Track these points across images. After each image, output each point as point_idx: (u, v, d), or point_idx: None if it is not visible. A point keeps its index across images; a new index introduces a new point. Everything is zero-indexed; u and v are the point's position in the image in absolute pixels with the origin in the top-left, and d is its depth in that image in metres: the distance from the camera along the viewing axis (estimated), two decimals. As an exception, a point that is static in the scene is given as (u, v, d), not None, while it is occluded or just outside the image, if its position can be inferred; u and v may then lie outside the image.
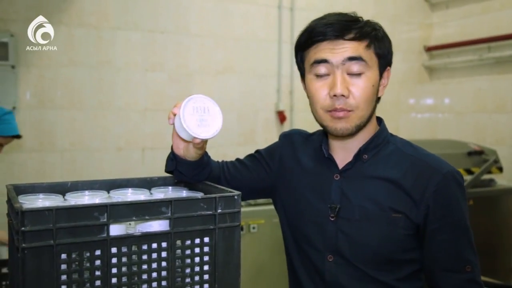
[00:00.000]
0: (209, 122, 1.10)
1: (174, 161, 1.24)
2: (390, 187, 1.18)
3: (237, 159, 1.43)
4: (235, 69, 3.93)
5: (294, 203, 1.31)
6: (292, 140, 1.39)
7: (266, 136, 3.98)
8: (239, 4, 3.92)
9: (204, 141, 1.15)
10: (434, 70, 4.74)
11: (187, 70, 3.76)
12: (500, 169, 3.49)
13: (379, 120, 1.29)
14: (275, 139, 1.46)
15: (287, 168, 1.35)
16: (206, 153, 1.28)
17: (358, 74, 1.14)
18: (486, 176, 3.46)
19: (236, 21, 3.92)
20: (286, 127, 4.06)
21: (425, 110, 4.75)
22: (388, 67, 1.23)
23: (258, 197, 1.47)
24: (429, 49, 4.71)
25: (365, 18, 1.21)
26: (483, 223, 3.35)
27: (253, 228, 2.95)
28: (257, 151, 1.43)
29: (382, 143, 1.24)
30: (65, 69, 3.36)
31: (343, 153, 1.25)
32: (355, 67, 1.14)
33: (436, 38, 4.73)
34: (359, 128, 1.19)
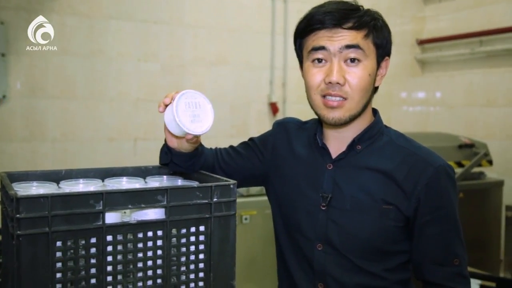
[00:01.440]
0: (201, 118, 1.11)
1: (168, 154, 1.24)
2: (382, 178, 1.18)
3: (231, 147, 1.43)
4: (228, 60, 3.92)
5: (286, 191, 1.31)
6: (286, 127, 1.39)
7: (259, 127, 3.98)
8: (232, -6, 3.90)
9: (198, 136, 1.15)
10: (426, 63, 4.76)
11: (180, 61, 3.74)
12: (490, 162, 3.52)
13: (375, 112, 1.29)
14: (266, 131, 1.46)
15: (280, 156, 1.35)
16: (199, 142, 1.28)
17: (355, 63, 1.15)
18: (476, 169, 3.49)
19: (230, 12, 3.90)
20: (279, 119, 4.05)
21: (417, 103, 4.77)
22: (387, 57, 1.23)
23: (251, 184, 1.47)
24: (421, 42, 4.72)
25: None
26: (473, 216, 3.38)
27: (245, 219, 2.96)
28: (251, 139, 1.43)
29: (376, 134, 1.24)
30: (57, 58, 3.32)
31: (337, 142, 1.25)
32: (352, 55, 1.14)
33: (428, 32, 4.74)
34: (353, 118, 1.19)
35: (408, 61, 4.71)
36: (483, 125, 4.15)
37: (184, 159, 1.24)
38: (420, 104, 4.75)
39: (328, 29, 1.15)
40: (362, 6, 1.19)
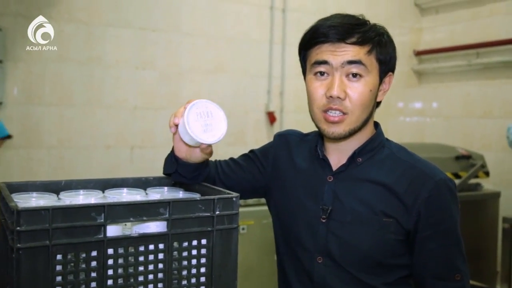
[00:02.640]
0: (214, 127, 1.10)
1: (174, 164, 1.22)
2: (382, 191, 1.18)
3: (231, 159, 1.42)
4: (226, 69, 3.92)
5: (287, 203, 1.30)
6: (287, 140, 1.38)
7: (256, 136, 3.97)
8: (231, 3, 3.91)
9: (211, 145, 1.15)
10: (423, 74, 4.78)
11: (178, 69, 3.74)
12: (487, 174, 3.52)
13: (376, 125, 1.29)
14: (265, 139, 1.46)
15: (281, 168, 1.34)
16: None
17: (357, 78, 1.15)
18: (473, 181, 3.49)
19: (228, 20, 3.91)
20: (276, 128, 4.05)
21: (414, 114, 4.79)
22: (391, 73, 1.23)
23: (252, 196, 1.46)
24: (418, 54, 4.74)
25: None
26: (469, 227, 3.38)
27: (243, 229, 2.94)
28: (252, 151, 1.43)
29: (377, 147, 1.24)
30: (54, 64, 3.31)
31: (337, 155, 1.25)
32: (354, 70, 1.14)
33: (425, 43, 4.77)
34: (353, 132, 1.19)
35: (405, 72, 4.73)
36: (480, 137, 4.16)
37: (191, 169, 1.23)
38: (417, 114, 4.77)
39: (332, 43, 1.15)
40: (368, 21, 1.19)
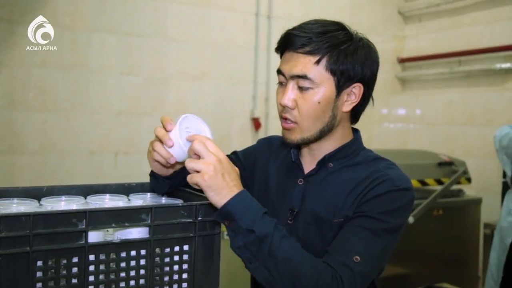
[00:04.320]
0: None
1: (167, 181, 1.23)
2: (345, 194, 1.17)
3: None
4: (211, 75, 3.93)
5: (262, 205, 1.31)
6: (270, 142, 1.41)
7: (241, 142, 3.98)
8: (216, 10, 3.92)
9: None
10: (407, 81, 4.84)
11: (163, 75, 3.73)
12: (469, 180, 3.57)
13: (355, 131, 1.30)
14: (250, 145, 1.47)
15: (259, 169, 1.37)
16: None
17: (306, 89, 1.15)
18: (455, 187, 3.54)
19: (214, 27, 3.92)
20: (261, 134, 4.07)
21: (397, 121, 4.84)
22: (359, 84, 1.19)
23: None
24: (402, 61, 4.80)
25: None
26: (451, 233, 3.42)
27: (227, 235, 2.93)
28: (234, 152, 1.45)
29: (351, 154, 1.24)
30: (37, 69, 3.28)
31: (310, 158, 1.27)
32: (300, 83, 1.15)
33: (408, 50, 4.83)
34: (309, 141, 1.20)
35: (389, 79, 4.78)
36: (462, 143, 4.22)
37: (181, 176, 1.22)
38: (401, 121, 4.82)
39: (287, 52, 1.18)
40: (343, 29, 1.18)
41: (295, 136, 1.19)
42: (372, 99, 1.29)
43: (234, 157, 1.42)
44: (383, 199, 1.13)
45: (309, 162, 1.27)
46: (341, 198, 1.18)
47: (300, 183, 1.25)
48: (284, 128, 1.21)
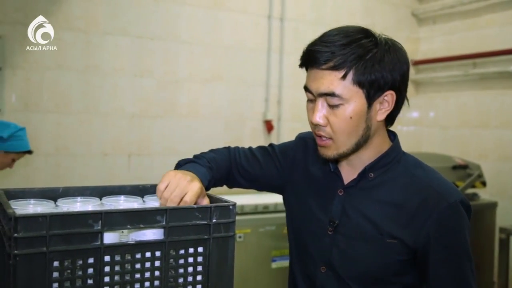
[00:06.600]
0: None
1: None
2: (391, 211, 1.16)
3: (250, 149, 1.42)
4: (223, 77, 3.93)
5: (298, 210, 1.33)
6: (306, 144, 1.37)
7: (253, 145, 3.93)
8: (229, 12, 3.93)
9: None
10: (420, 84, 4.80)
11: (176, 77, 3.75)
12: (484, 184, 3.53)
13: (394, 135, 1.26)
14: (287, 141, 1.46)
15: (297, 172, 1.35)
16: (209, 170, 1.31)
17: (336, 106, 1.12)
18: (470, 191, 3.50)
19: (226, 29, 3.92)
20: (273, 137, 4.06)
21: (411, 123, 4.80)
22: (390, 92, 1.15)
23: (270, 191, 1.47)
24: (415, 63, 4.77)
25: None
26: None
27: (239, 237, 2.93)
28: (271, 146, 1.42)
29: (391, 162, 1.21)
30: (52, 72, 3.31)
31: (348, 168, 1.24)
32: (329, 100, 1.12)
33: (422, 53, 4.79)
34: (345, 155, 1.18)
35: (402, 82, 4.74)
36: (476, 146, 4.18)
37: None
38: (414, 124, 4.78)
39: (311, 69, 1.14)
40: (366, 36, 1.13)
41: (331, 152, 1.17)
42: (407, 100, 1.24)
43: (272, 151, 1.40)
44: (453, 228, 1.15)
45: (347, 171, 1.24)
46: (388, 215, 1.16)
47: (340, 194, 1.23)
48: (319, 146, 1.18)
